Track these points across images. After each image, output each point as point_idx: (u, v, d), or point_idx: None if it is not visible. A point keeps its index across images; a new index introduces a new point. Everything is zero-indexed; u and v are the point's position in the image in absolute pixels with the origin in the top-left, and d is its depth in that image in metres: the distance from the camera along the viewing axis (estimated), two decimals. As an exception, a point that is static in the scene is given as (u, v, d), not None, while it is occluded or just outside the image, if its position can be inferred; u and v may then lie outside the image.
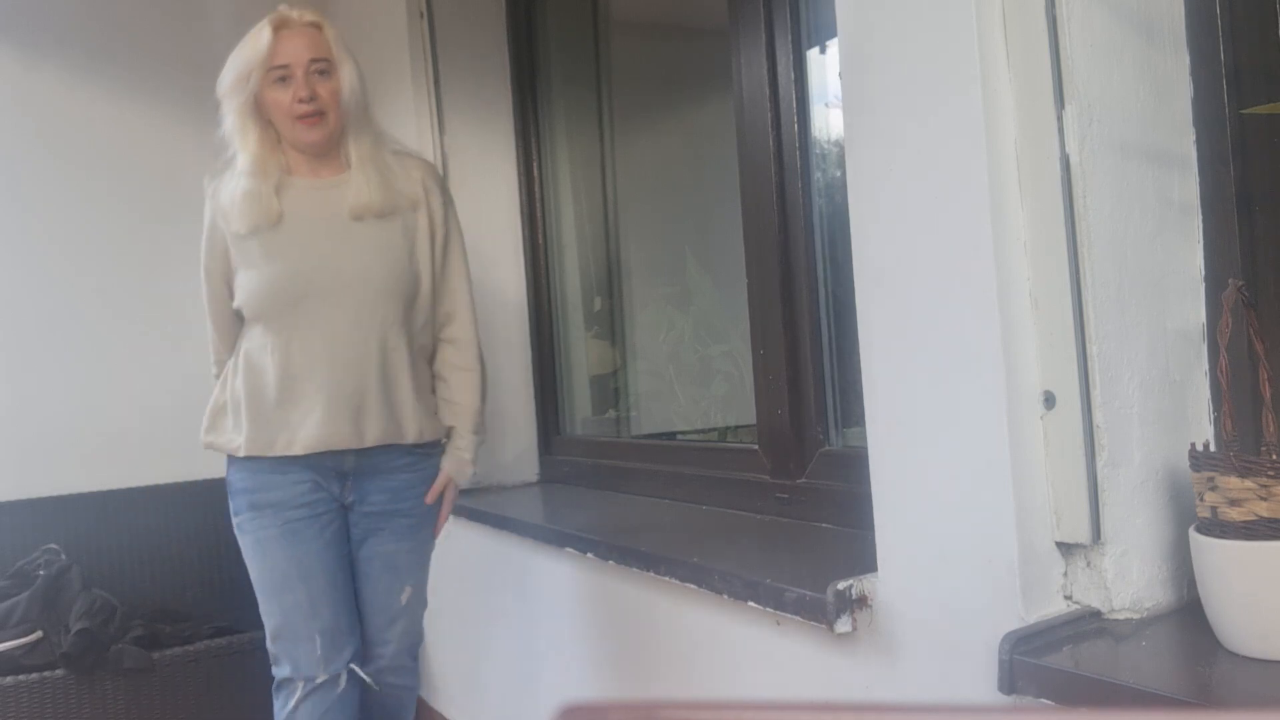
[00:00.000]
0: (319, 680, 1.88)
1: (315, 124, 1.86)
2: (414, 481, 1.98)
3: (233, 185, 1.89)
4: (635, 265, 2.87)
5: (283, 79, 1.84)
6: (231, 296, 1.92)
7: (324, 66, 1.86)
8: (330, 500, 1.92)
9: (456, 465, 2.03)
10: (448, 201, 2.02)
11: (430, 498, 2.00)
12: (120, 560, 3.08)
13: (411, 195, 1.95)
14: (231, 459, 1.93)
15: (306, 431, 1.85)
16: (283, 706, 1.90)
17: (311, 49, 1.85)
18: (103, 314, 3.20)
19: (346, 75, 1.88)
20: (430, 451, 2.01)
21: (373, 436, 1.89)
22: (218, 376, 1.98)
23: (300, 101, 1.83)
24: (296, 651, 1.88)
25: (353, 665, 1.92)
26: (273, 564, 1.89)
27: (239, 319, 1.94)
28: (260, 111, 1.88)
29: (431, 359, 2.04)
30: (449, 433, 2.04)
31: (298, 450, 1.86)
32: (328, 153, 1.92)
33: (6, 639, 2.62)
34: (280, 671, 1.91)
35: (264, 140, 1.89)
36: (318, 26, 1.88)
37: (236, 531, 1.93)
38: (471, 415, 2.03)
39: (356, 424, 1.87)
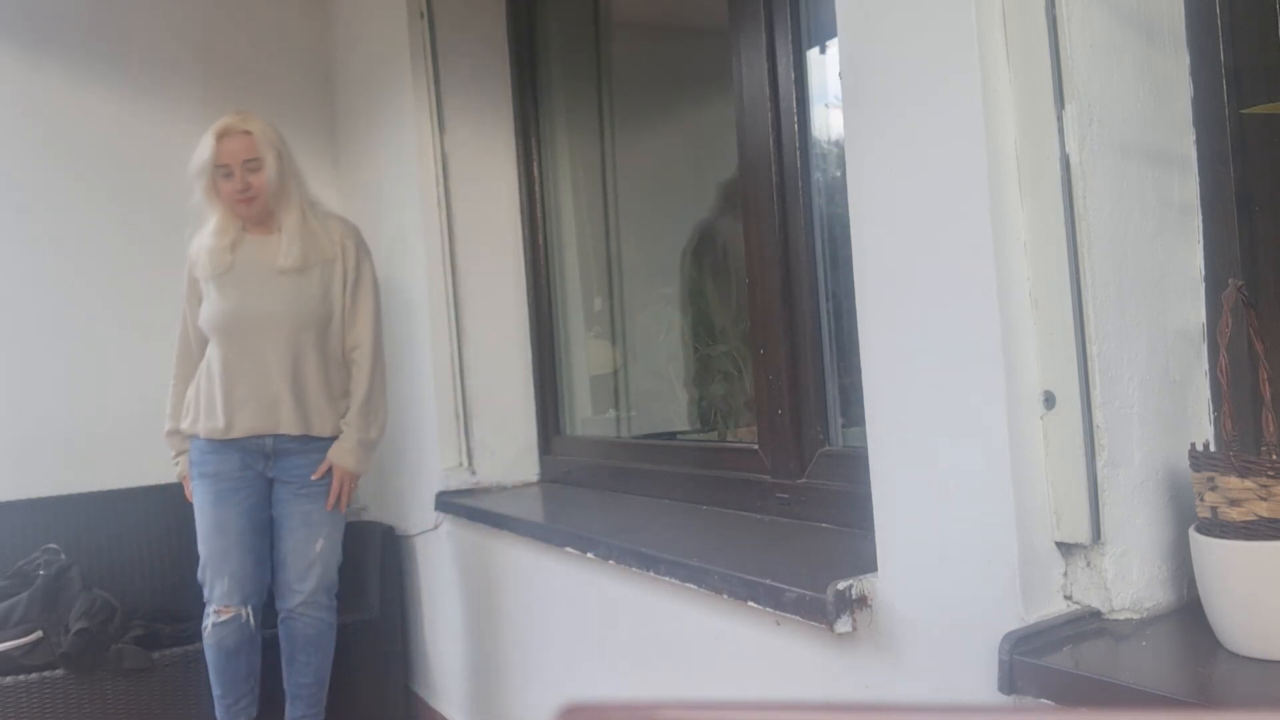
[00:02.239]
0: (224, 616, 2.50)
1: (249, 204, 2.55)
2: (320, 460, 2.58)
3: (201, 241, 2.59)
4: (635, 265, 2.87)
5: (227, 175, 2.53)
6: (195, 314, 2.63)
7: (254, 165, 2.53)
8: (255, 478, 2.57)
9: (338, 453, 2.58)
10: (362, 256, 2.66)
11: (315, 475, 2.57)
12: (120, 560, 3.08)
13: (329, 252, 2.61)
14: (192, 439, 2.60)
15: (241, 420, 2.53)
16: (204, 619, 2.53)
17: (245, 152, 2.52)
18: (103, 314, 3.20)
19: (269, 167, 2.54)
20: (332, 441, 2.61)
21: (285, 426, 2.54)
22: (174, 385, 2.66)
23: (238, 191, 2.53)
24: (213, 583, 2.53)
25: (251, 606, 2.53)
26: (205, 519, 2.55)
27: (202, 339, 2.62)
28: (216, 192, 2.57)
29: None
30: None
31: (235, 434, 2.52)
32: (265, 219, 2.61)
33: (6, 639, 2.62)
34: (205, 593, 2.54)
35: (222, 211, 2.58)
36: (249, 133, 2.53)
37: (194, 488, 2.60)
38: (356, 415, 2.59)
39: (275, 417, 2.53)
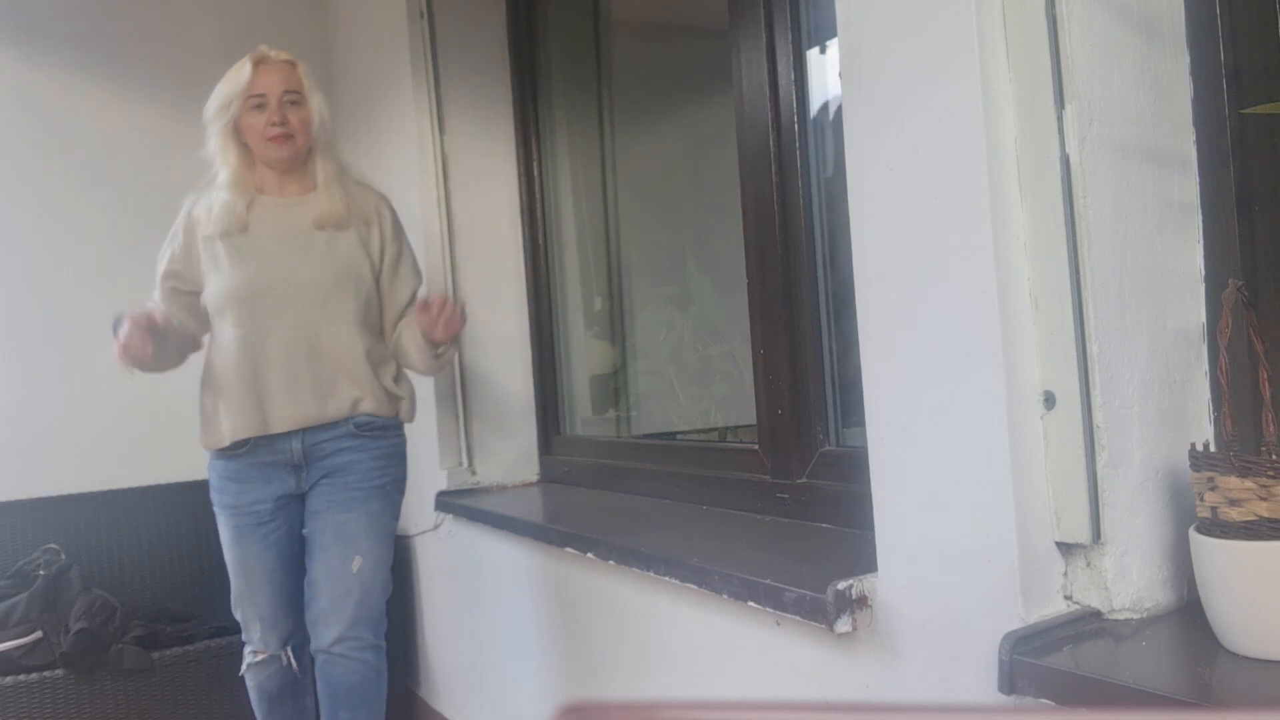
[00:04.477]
0: (260, 657, 2.26)
1: (284, 143, 2.15)
2: (359, 460, 2.21)
3: (212, 197, 2.19)
4: (635, 265, 2.87)
5: (259, 106, 2.14)
6: (189, 287, 2.22)
7: (295, 98, 2.15)
8: (286, 503, 2.21)
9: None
10: (398, 225, 2.32)
11: (424, 307, 2.12)
12: (120, 560, 3.08)
13: (366, 215, 2.26)
14: (210, 455, 2.23)
15: (280, 412, 2.14)
16: (243, 658, 2.31)
17: (285, 82, 2.15)
18: (103, 313, 3.19)
19: (315, 106, 2.18)
20: (377, 434, 2.24)
21: (334, 411, 2.17)
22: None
23: (273, 125, 2.13)
24: (247, 625, 2.28)
25: (290, 647, 2.26)
26: (229, 554, 2.26)
27: (194, 309, 2.23)
28: (238, 135, 2.18)
29: (387, 346, 2.30)
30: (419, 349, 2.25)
31: (275, 430, 2.14)
32: (295, 171, 2.22)
33: (6, 639, 2.62)
34: (242, 632, 2.31)
35: (241, 159, 2.18)
36: (292, 64, 2.17)
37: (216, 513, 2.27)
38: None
39: (322, 403, 2.16)
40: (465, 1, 2.87)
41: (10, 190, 3.13)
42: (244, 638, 2.30)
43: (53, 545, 2.90)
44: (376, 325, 2.26)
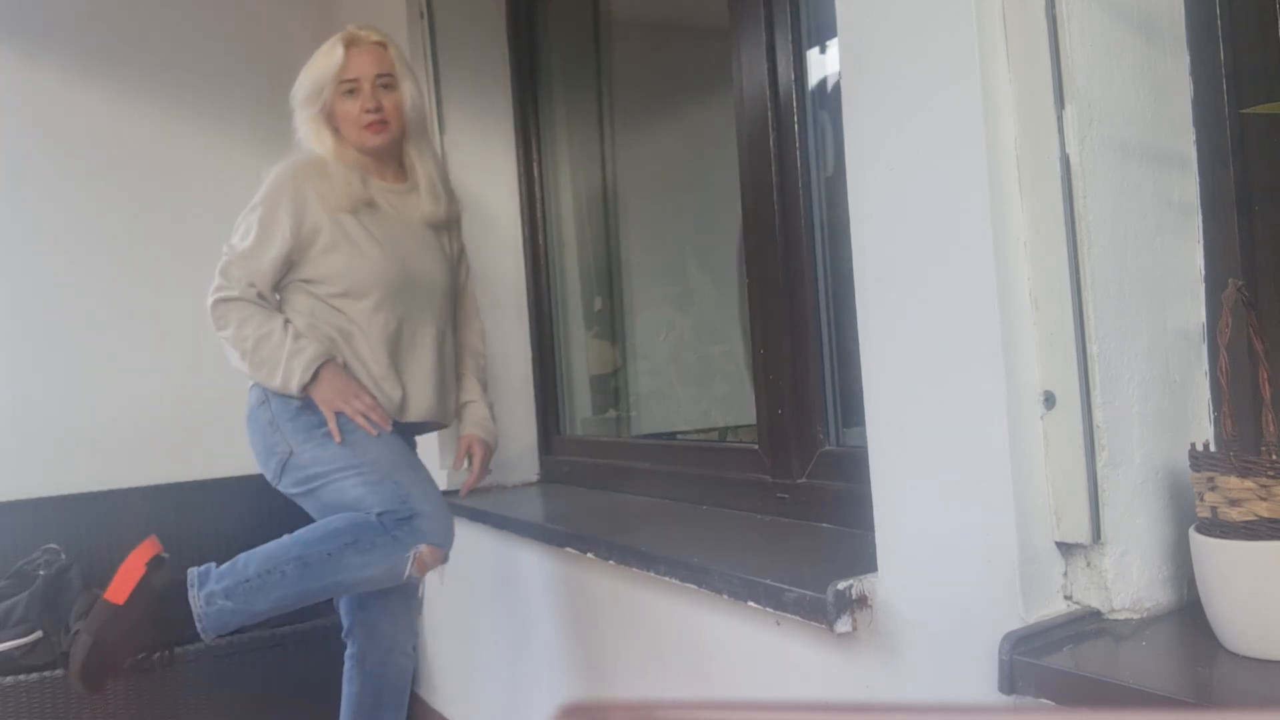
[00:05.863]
0: (436, 560, 1.91)
1: (379, 130, 2.04)
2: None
3: (313, 177, 2.02)
4: (635, 265, 2.87)
5: (351, 91, 2.04)
6: (283, 267, 1.99)
7: (388, 81, 2.06)
8: None
9: (481, 427, 2.21)
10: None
11: (457, 460, 2.20)
12: (120, 560, 3.07)
13: (455, 213, 2.23)
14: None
15: (416, 402, 2.06)
16: (406, 561, 1.88)
17: (378, 65, 2.05)
18: (103, 313, 3.20)
19: (408, 90, 2.08)
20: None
21: (449, 415, 2.17)
22: (265, 323, 1.95)
23: (367, 111, 2.03)
24: (435, 516, 1.92)
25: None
26: (392, 450, 1.97)
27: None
28: (330, 120, 2.07)
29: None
30: (462, 407, 2.23)
31: (411, 418, 2.06)
32: (391, 158, 2.12)
33: (6, 639, 2.62)
34: (407, 527, 1.88)
35: (337, 142, 2.07)
36: (383, 45, 2.08)
37: (318, 441, 1.94)
38: (483, 378, 2.27)
39: (443, 402, 2.13)
40: (465, 1, 2.87)
41: (16, 189, 3.13)
42: (412, 531, 1.89)
43: (53, 545, 2.91)
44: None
